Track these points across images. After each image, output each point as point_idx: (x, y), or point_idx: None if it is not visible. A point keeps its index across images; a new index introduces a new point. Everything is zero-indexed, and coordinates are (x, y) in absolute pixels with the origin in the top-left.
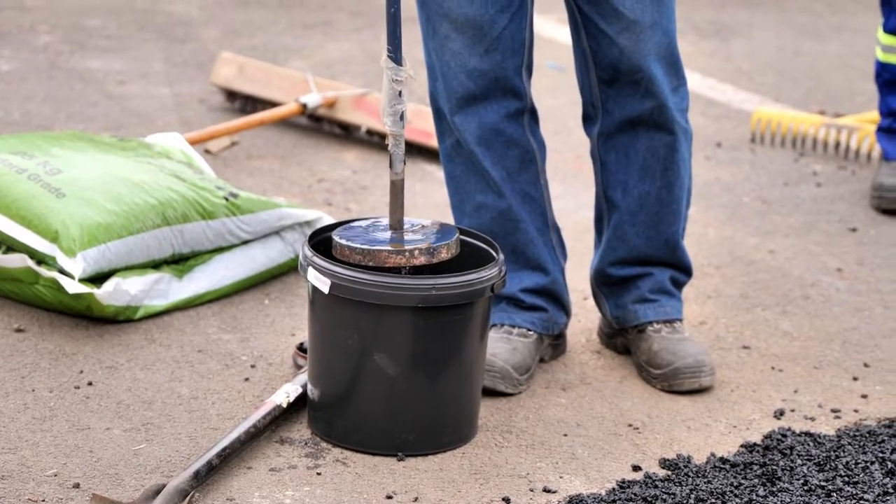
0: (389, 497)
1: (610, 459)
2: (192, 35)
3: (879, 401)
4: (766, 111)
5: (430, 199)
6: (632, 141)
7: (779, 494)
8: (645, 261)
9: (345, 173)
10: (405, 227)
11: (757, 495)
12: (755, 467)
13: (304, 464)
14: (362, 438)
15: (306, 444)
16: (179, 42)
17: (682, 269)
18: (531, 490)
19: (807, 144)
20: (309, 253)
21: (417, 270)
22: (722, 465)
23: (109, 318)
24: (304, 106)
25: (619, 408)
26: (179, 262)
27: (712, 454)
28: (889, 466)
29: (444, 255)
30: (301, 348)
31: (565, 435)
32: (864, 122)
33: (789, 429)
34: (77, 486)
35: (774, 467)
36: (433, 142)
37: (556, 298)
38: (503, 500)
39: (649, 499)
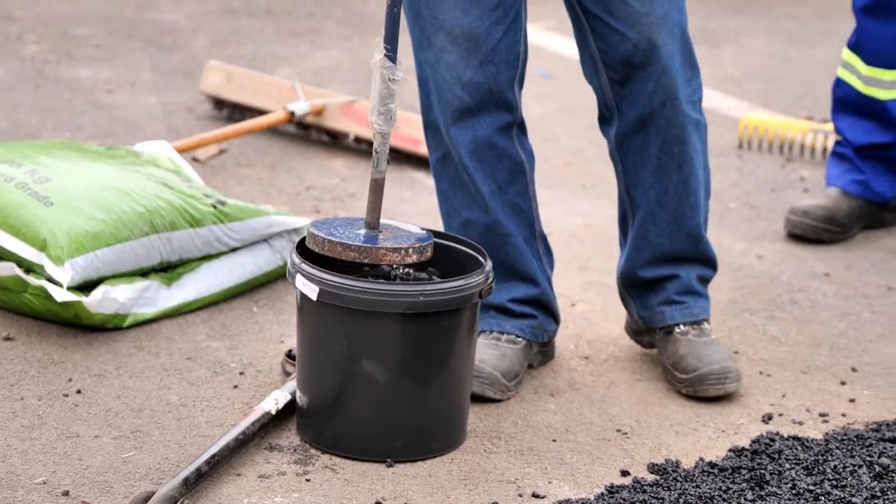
0: (379, 503)
1: (598, 464)
2: (180, 44)
3: (867, 405)
4: (753, 117)
5: (419, 207)
6: (645, 141)
7: (767, 499)
8: (670, 258)
9: (333, 181)
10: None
11: (745, 499)
12: (743, 471)
13: (293, 470)
14: (351, 445)
15: (295, 450)
16: (167, 51)
17: (708, 264)
18: (520, 495)
19: (794, 150)
20: (297, 260)
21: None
22: (710, 470)
23: (98, 326)
24: (292, 114)
25: (608, 413)
26: (168, 270)
27: (701, 459)
28: (877, 470)
29: (430, 253)
30: (290, 355)
31: (554, 440)
32: None
33: (777, 433)
34: (66, 493)
35: (763, 471)
36: (421, 149)
37: (546, 307)
38: None
39: (638, 503)
